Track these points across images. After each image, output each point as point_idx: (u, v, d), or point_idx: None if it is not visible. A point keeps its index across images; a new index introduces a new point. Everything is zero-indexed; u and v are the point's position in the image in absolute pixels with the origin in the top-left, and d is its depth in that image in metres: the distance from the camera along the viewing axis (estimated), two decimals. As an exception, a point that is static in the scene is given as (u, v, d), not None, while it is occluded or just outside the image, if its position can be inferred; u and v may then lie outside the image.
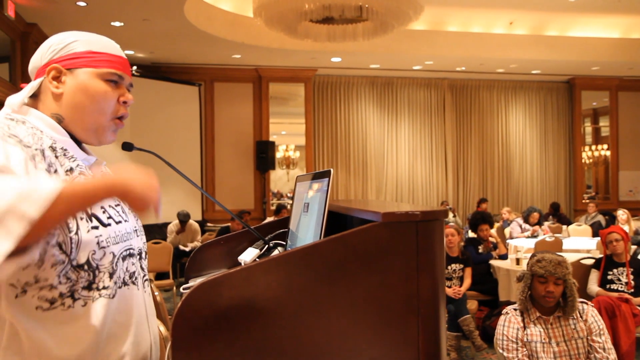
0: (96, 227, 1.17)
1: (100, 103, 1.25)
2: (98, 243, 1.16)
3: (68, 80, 1.25)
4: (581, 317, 2.77)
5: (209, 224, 10.10)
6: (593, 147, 12.80)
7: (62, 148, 1.22)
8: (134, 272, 1.26)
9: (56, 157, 1.19)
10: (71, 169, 1.21)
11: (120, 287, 1.21)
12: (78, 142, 1.30)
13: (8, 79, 7.20)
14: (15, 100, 1.25)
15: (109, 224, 1.21)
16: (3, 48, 7.28)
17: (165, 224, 8.23)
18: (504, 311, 2.88)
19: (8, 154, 1.04)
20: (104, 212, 1.21)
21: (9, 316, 1.10)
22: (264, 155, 10.59)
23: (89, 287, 1.14)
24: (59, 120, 1.25)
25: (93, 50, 1.26)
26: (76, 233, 1.13)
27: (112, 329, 1.18)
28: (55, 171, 1.16)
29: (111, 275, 1.18)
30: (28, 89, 1.26)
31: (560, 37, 10.21)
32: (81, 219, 1.15)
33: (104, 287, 1.16)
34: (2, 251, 0.90)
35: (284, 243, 1.57)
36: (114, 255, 1.20)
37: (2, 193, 0.92)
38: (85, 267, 1.14)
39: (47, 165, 1.14)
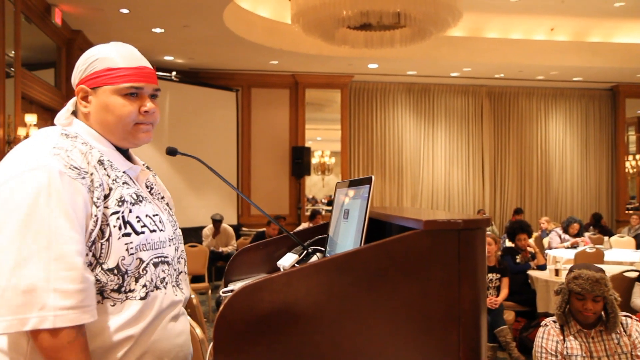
0: (128, 234, 1.24)
1: (120, 118, 1.32)
2: (127, 250, 1.24)
3: (93, 99, 1.33)
4: (625, 331, 2.69)
5: (244, 229, 10.17)
6: (637, 157, 12.43)
7: (108, 160, 1.30)
8: (164, 278, 1.31)
9: (104, 169, 1.27)
10: (116, 179, 1.28)
11: (152, 290, 1.27)
12: (123, 151, 1.39)
13: (53, 83, 7.42)
14: (61, 118, 1.36)
15: (143, 232, 1.27)
16: (49, 54, 7.51)
17: (201, 228, 8.32)
18: (542, 323, 2.81)
19: (72, 219, 1.15)
20: (138, 222, 1.28)
21: None
22: (300, 161, 10.62)
23: (118, 290, 1.22)
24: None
25: (111, 66, 1.32)
26: (107, 240, 1.22)
27: (136, 328, 1.23)
28: (107, 196, 1.25)
29: (137, 280, 1.25)
30: (68, 107, 1.38)
31: (603, 44, 9.97)
32: (114, 226, 1.23)
33: (130, 290, 1.24)
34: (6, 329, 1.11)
35: (323, 249, 1.57)
36: (142, 261, 1.26)
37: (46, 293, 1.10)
38: (115, 271, 1.22)
39: (99, 185, 1.23)
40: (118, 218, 1.23)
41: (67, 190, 1.16)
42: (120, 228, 1.23)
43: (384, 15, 6.34)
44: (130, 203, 1.28)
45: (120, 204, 1.25)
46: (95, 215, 1.20)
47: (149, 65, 1.38)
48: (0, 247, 1.11)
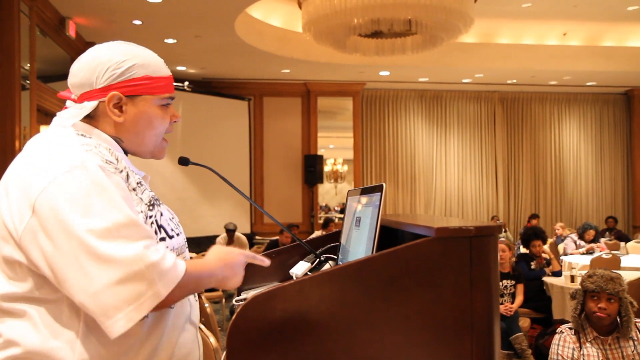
0: (163, 239, 1.20)
1: (158, 129, 1.29)
2: None
3: (129, 108, 1.24)
4: (642, 338, 2.66)
5: (257, 237, 10.20)
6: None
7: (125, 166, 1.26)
8: None
9: (127, 173, 1.23)
10: (140, 182, 1.24)
11: None
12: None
13: (68, 95, 7.51)
14: (70, 121, 1.23)
15: (172, 236, 1.24)
16: (64, 66, 7.61)
17: (214, 237, 8.35)
18: (558, 330, 2.79)
19: (120, 202, 1.09)
20: (168, 225, 1.25)
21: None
22: (312, 169, 10.64)
23: None
24: (119, 142, 1.28)
25: (150, 75, 1.26)
26: None
27: (164, 336, 1.19)
28: (134, 189, 1.20)
29: None
30: (85, 110, 1.23)
31: (616, 48, 9.90)
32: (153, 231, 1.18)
33: None
34: (130, 321, 1.03)
35: (335, 257, 1.57)
36: None
37: (147, 269, 1.03)
38: None
39: (128, 184, 1.19)
40: (152, 222, 1.19)
41: (113, 183, 1.10)
42: (156, 233, 1.18)
43: (395, 23, 6.35)
44: (158, 206, 1.24)
45: (151, 207, 1.21)
46: (144, 213, 1.17)
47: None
48: (70, 254, 1.03)
